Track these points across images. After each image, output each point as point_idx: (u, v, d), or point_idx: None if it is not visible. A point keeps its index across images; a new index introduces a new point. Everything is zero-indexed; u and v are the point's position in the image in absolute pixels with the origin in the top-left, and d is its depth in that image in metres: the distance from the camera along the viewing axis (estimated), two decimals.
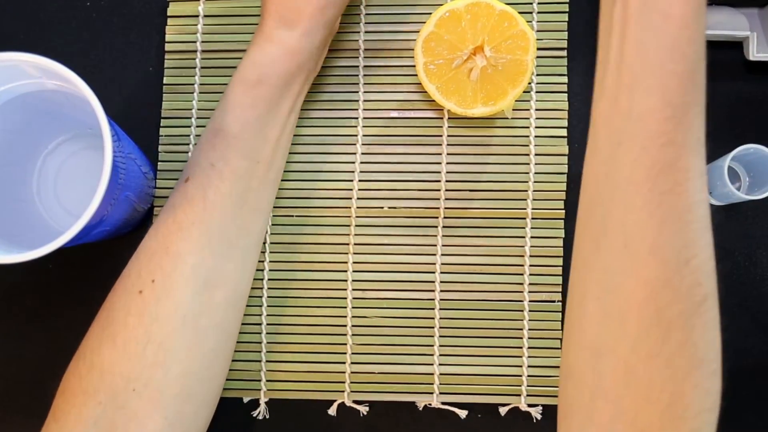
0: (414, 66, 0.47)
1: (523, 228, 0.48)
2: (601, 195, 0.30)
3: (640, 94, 0.29)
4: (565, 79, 0.49)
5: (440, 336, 0.47)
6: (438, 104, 0.46)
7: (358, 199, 0.49)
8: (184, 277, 0.38)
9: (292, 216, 0.49)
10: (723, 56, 0.50)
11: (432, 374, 0.47)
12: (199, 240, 0.38)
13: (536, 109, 0.48)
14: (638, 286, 0.29)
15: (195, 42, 0.50)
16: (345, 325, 0.48)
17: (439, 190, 0.48)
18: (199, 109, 0.50)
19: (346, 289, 0.48)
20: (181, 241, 0.38)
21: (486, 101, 0.45)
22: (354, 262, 0.48)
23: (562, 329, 0.47)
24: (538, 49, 0.48)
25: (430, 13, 0.47)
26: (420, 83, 0.46)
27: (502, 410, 0.47)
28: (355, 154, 0.49)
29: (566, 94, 0.49)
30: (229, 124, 0.40)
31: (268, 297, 0.48)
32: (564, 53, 0.49)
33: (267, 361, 0.48)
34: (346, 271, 0.48)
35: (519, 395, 0.47)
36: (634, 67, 0.29)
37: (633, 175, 0.29)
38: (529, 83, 0.46)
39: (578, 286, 0.32)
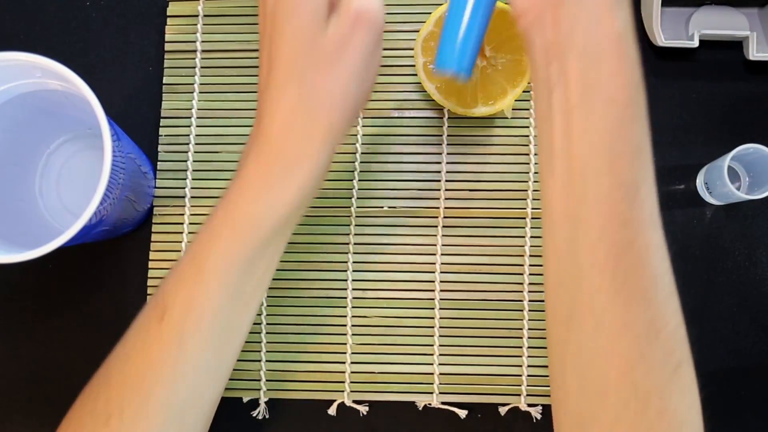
0: (414, 66, 0.47)
1: (523, 228, 0.48)
2: (567, 275, 0.31)
3: (592, 178, 0.29)
4: None
5: (440, 336, 0.47)
6: (438, 104, 0.46)
7: (358, 198, 0.49)
8: (153, 412, 0.36)
9: None
10: (723, 56, 0.50)
11: (432, 374, 0.47)
12: (171, 378, 0.36)
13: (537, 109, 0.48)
14: (613, 363, 0.30)
15: (195, 42, 0.50)
16: (345, 325, 0.48)
17: (439, 189, 0.48)
18: (198, 109, 0.50)
19: (346, 289, 0.48)
20: (152, 377, 0.35)
21: (486, 101, 0.45)
22: (354, 262, 0.48)
23: None
24: None
25: (430, 13, 0.47)
26: (420, 83, 0.46)
27: (502, 410, 0.47)
28: (355, 153, 0.49)
29: None
30: (213, 262, 0.35)
31: (269, 297, 0.48)
32: None
33: (267, 361, 0.48)
34: (346, 271, 0.48)
35: (519, 395, 0.47)
36: (582, 152, 0.29)
37: (595, 258, 0.29)
38: (529, 83, 0.46)
39: (556, 360, 0.33)
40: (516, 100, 0.45)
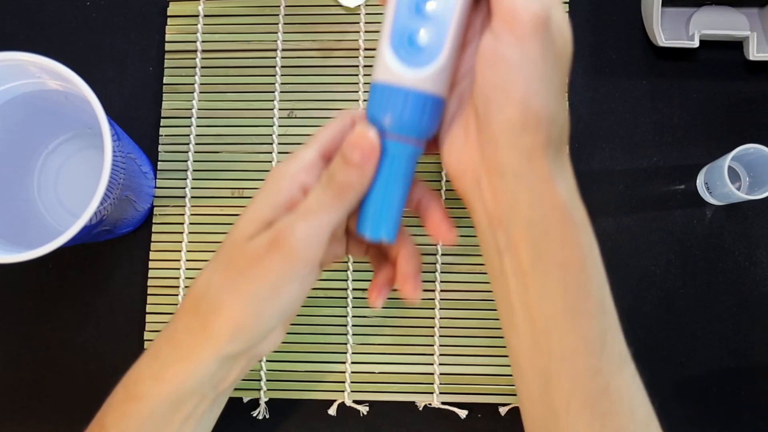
0: None
1: None
2: (542, 416, 0.31)
3: (557, 337, 0.29)
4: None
5: (440, 336, 0.47)
6: None
7: None
8: None
9: None
10: (723, 56, 0.50)
11: (432, 374, 0.47)
12: None
13: None
14: None
15: (195, 42, 0.50)
16: (345, 325, 0.48)
17: (439, 189, 0.48)
18: (199, 109, 0.50)
19: (346, 289, 0.48)
20: None
21: None
22: (354, 262, 0.48)
23: None
24: None
25: None
26: None
27: (502, 410, 0.47)
28: None
29: (566, 94, 0.49)
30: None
31: None
32: None
33: (267, 360, 0.48)
34: (346, 270, 0.48)
35: None
36: (543, 313, 0.29)
37: (570, 406, 0.29)
38: None
39: None
40: None
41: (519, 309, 0.30)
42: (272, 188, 0.30)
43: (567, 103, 0.29)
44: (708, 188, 0.47)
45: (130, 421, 0.33)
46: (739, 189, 0.47)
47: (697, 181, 0.49)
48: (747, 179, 0.48)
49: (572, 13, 0.49)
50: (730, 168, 0.46)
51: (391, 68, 0.27)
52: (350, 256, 0.48)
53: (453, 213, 0.48)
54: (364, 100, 0.49)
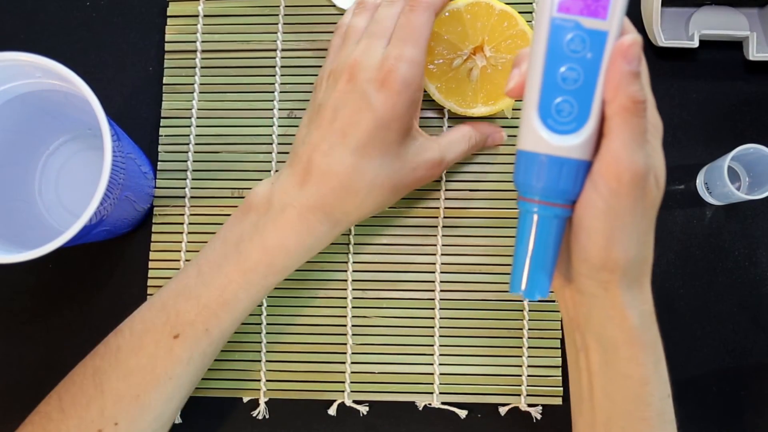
0: None
1: None
2: None
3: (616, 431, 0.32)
4: None
5: (440, 336, 0.47)
6: (438, 104, 0.46)
7: None
8: (146, 423, 0.38)
9: None
10: (723, 56, 0.50)
11: (432, 374, 0.47)
12: (172, 393, 0.39)
13: None
14: None
15: (195, 42, 0.50)
16: (345, 325, 0.48)
17: (439, 190, 0.48)
18: (199, 109, 0.50)
19: (346, 289, 0.48)
20: (153, 392, 0.38)
21: (486, 101, 0.45)
22: (354, 262, 0.48)
23: (562, 329, 0.47)
24: None
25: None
26: None
27: (502, 410, 0.47)
28: None
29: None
30: (233, 293, 0.39)
31: (269, 297, 0.48)
32: None
33: (267, 361, 0.48)
34: (346, 271, 0.48)
35: (519, 395, 0.47)
36: (605, 410, 0.31)
37: None
38: None
39: None
40: (517, 100, 0.45)
41: (586, 400, 0.32)
42: (407, 103, 0.38)
43: (652, 239, 0.30)
44: (708, 188, 0.47)
45: (223, 324, 0.39)
46: (738, 189, 0.48)
47: (697, 181, 0.49)
48: (747, 179, 0.48)
49: None
50: (729, 168, 0.46)
51: (543, 138, 0.27)
52: (350, 257, 0.48)
53: (453, 213, 0.48)
54: None
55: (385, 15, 0.39)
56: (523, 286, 0.30)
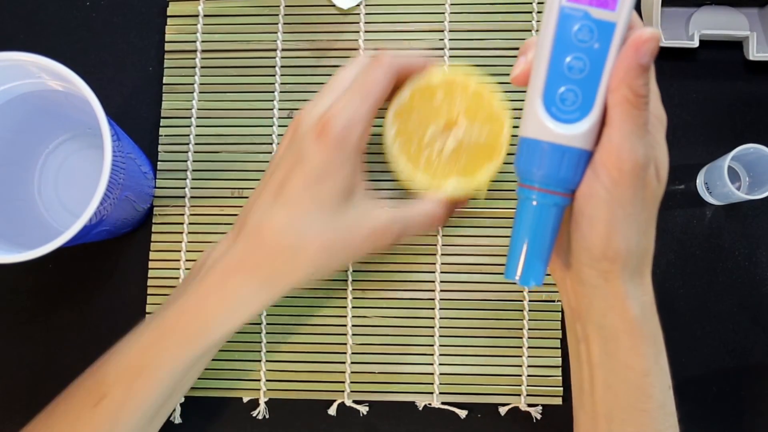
0: None
1: None
2: None
3: (617, 425, 0.31)
4: None
5: (440, 336, 0.47)
6: (406, 179, 0.41)
7: None
8: None
9: None
10: (723, 56, 0.50)
11: (432, 374, 0.47)
12: None
13: None
14: None
15: (195, 42, 0.50)
16: (345, 325, 0.48)
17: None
18: (199, 109, 0.50)
19: (346, 289, 0.48)
20: None
21: (459, 177, 0.40)
22: (354, 262, 0.48)
23: (562, 329, 0.47)
24: None
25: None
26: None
27: (502, 410, 0.47)
28: None
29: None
30: (160, 363, 0.36)
31: None
32: None
33: (267, 361, 0.48)
34: (346, 270, 0.48)
35: (519, 395, 0.47)
36: (606, 402, 0.31)
37: None
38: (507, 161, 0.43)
39: None
40: (510, 103, 0.45)
41: (587, 392, 0.32)
42: (343, 158, 0.35)
43: (653, 231, 0.30)
44: (708, 188, 0.47)
45: (196, 353, 0.36)
46: (738, 189, 0.48)
47: (697, 181, 0.49)
48: (747, 179, 0.48)
49: None
50: (729, 168, 0.46)
51: (546, 125, 0.27)
52: None
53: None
54: None
55: (346, 71, 0.37)
56: (519, 273, 0.30)
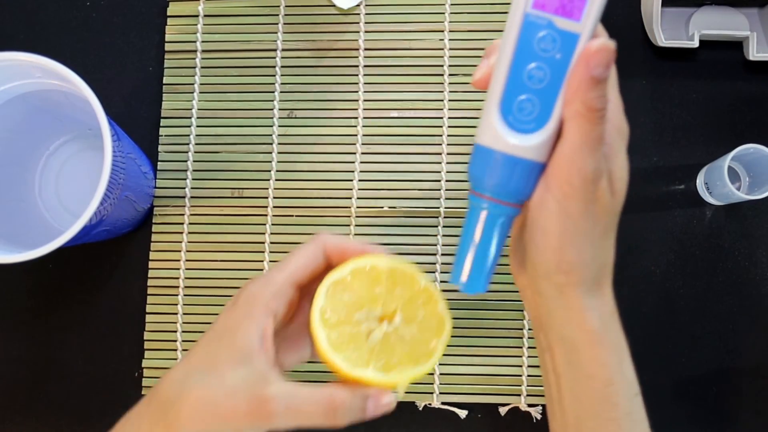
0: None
1: None
2: None
3: None
4: None
5: None
6: (323, 356, 0.35)
7: (358, 198, 0.48)
8: None
9: (292, 216, 0.49)
10: (723, 56, 0.50)
11: (432, 374, 0.47)
12: None
13: None
14: None
15: (195, 42, 0.50)
16: None
17: (439, 189, 0.48)
18: (199, 109, 0.50)
19: None
20: None
21: (379, 368, 0.36)
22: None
23: None
24: None
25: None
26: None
27: (502, 410, 0.47)
28: (355, 153, 0.49)
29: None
30: None
31: None
32: None
33: None
34: None
35: (519, 395, 0.47)
36: (574, 411, 0.31)
37: None
38: (431, 372, 0.42)
39: None
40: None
41: (556, 401, 0.32)
42: (246, 315, 0.31)
43: (611, 245, 0.30)
44: (708, 188, 0.47)
45: None
46: (738, 189, 0.47)
47: (697, 181, 0.48)
48: (747, 179, 0.48)
49: None
50: (729, 168, 0.46)
51: (501, 134, 0.27)
52: None
53: (453, 213, 0.48)
54: (365, 100, 0.49)
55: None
56: (464, 279, 0.30)
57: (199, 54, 0.50)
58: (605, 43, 0.25)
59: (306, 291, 0.33)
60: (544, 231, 0.28)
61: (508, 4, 0.52)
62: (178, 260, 0.48)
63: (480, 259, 0.30)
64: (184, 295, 0.48)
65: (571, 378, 0.31)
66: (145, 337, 0.48)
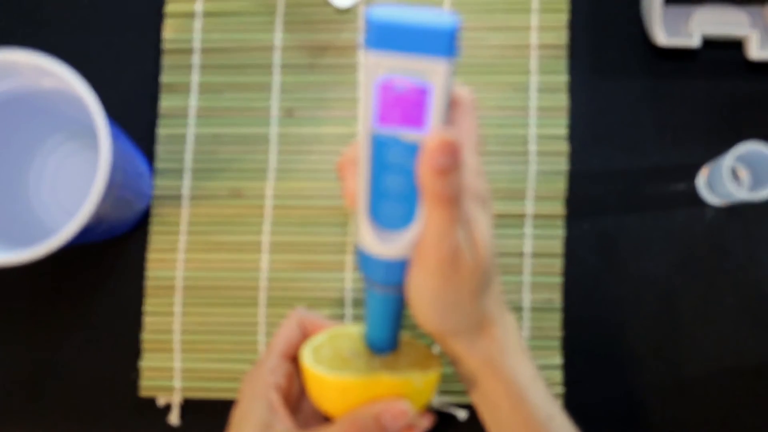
0: None
1: (521, 228, 0.48)
2: None
3: None
4: (565, 78, 0.49)
5: None
6: (323, 380, 0.34)
7: None
8: None
9: (292, 216, 0.49)
10: (724, 55, 0.49)
11: None
12: None
13: (536, 108, 0.48)
14: None
15: (192, 40, 0.50)
16: None
17: None
18: (197, 108, 0.49)
19: (344, 289, 0.48)
20: None
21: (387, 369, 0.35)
22: (354, 262, 0.48)
23: (562, 329, 0.47)
24: (541, 46, 0.48)
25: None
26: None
27: None
28: None
29: (566, 93, 0.48)
30: None
31: (268, 297, 0.48)
32: (564, 52, 0.49)
33: None
34: (344, 270, 0.48)
35: None
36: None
37: None
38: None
39: None
40: (509, 101, 0.45)
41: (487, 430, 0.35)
42: (251, 397, 0.35)
43: (488, 297, 0.32)
44: (709, 188, 0.47)
45: None
46: (739, 188, 0.47)
47: (698, 180, 0.48)
48: (748, 179, 0.48)
49: (572, 12, 0.49)
50: (731, 167, 0.46)
51: (373, 239, 0.29)
52: (348, 257, 0.48)
53: None
54: None
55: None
56: (371, 344, 0.34)
57: (196, 53, 0.50)
58: (442, 137, 0.26)
59: (297, 364, 0.37)
60: (416, 304, 0.30)
61: (508, 3, 0.52)
62: (176, 260, 0.48)
63: (384, 330, 0.33)
64: (182, 296, 0.48)
65: (485, 408, 0.34)
66: (142, 338, 0.48)
